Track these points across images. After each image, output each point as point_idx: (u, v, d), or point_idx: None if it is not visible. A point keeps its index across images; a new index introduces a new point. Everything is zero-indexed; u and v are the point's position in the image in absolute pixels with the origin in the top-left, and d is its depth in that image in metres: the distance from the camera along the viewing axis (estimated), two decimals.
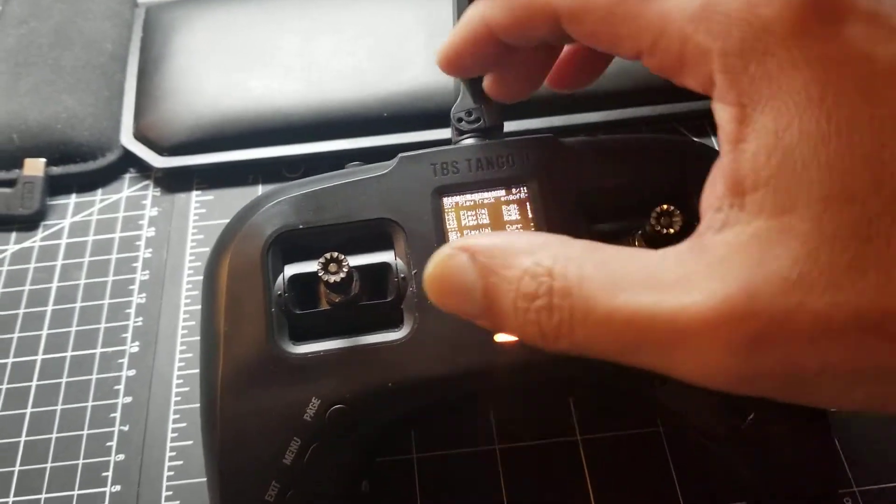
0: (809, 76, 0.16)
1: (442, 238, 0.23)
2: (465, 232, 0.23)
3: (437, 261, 0.18)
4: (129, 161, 0.35)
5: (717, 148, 0.19)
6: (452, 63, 0.24)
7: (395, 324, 0.23)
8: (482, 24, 0.22)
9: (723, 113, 0.17)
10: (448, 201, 0.24)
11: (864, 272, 0.15)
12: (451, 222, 0.23)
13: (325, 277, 0.22)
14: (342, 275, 0.22)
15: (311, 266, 0.23)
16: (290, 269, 0.23)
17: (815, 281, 0.15)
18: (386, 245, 0.24)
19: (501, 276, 0.17)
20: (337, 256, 0.22)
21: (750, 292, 0.15)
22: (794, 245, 0.15)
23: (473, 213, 0.23)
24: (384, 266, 0.23)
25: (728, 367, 0.16)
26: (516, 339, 0.20)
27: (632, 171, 0.24)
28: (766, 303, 0.15)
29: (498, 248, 0.18)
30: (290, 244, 0.23)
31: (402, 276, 0.23)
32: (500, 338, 0.22)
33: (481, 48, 0.23)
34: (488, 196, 0.24)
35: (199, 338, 0.29)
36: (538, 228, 0.23)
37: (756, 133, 0.17)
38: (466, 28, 0.23)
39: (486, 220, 0.23)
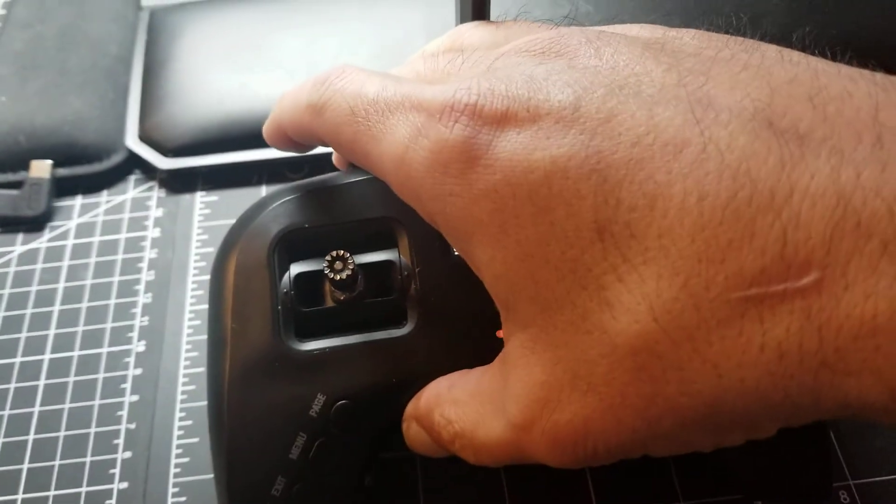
0: (490, 212, 0.18)
1: (444, 236, 0.23)
2: None
3: (405, 432, 0.23)
4: (134, 162, 0.35)
5: None
6: (274, 144, 0.26)
7: (399, 320, 0.23)
8: (279, 127, 0.24)
9: None
10: None
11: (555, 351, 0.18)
12: None
13: (331, 275, 0.22)
14: (348, 273, 0.22)
15: (317, 264, 0.23)
16: (296, 268, 0.24)
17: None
18: (389, 243, 0.24)
19: (435, 429, 0.21)
20: (342, 255, 0.22)
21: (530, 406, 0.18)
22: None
23: None
24: (388, 264, 0.24)
25: (562, 460, 0.18)
26: None
27: None
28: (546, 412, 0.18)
29: (424, 407, 0.22)
30: (295, 243, 0.24)
31: (406, 273, 0.23)
32: (503, 333, 0.22)
33: (289, 140, 0.25)
34: None
35: (204, 337, 0.30)
36: None
37: (486, 269, 0.19)
38: (272, 122, 0.25)
39: None
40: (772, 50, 0.18)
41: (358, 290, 0.23)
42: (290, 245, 0.24)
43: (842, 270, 0.14)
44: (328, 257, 0.22)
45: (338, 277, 0.22)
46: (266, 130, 0.25)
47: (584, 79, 0.18)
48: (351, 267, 0.22)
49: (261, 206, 0.25)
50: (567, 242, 0.17)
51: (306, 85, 0.23)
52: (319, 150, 0.34)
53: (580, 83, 0.18)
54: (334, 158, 0.27)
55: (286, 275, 0.23)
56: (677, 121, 0.16)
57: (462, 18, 0.25)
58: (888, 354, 0.14)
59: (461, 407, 0.21)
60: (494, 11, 0.25)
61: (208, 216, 0.34)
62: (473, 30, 0.23)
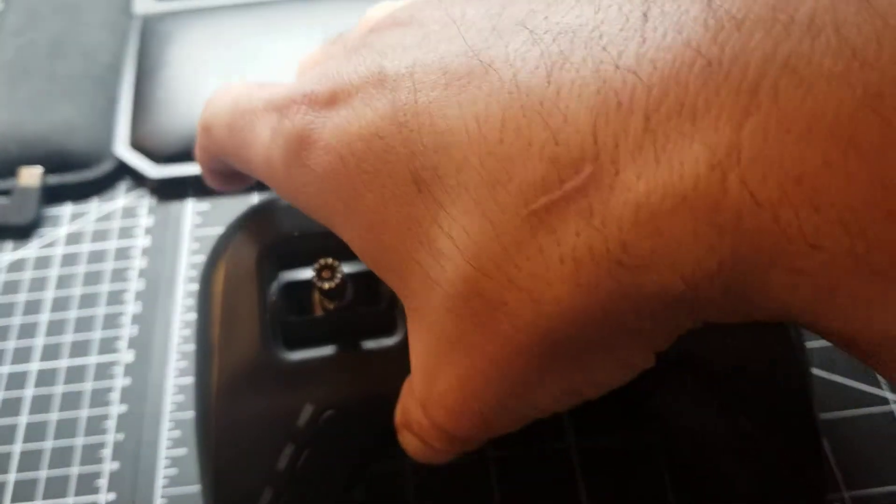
0: (335, 191, 0.18)
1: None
2: None
3: (401, 443, 0.22)
4: (124, 170, 0.35)
5: None
6: (209, 182, 0.26)
7: (389, 330, 0.23)
8: (200, 162, 0.25)
9: None
10: None
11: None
12: None
13: (320, 284, 0.22)
14: (336, 282, 0.22)
15: (306, 273, 0.23)
16: (285, 277, 0.23)
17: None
18: None
19: (416, 428, 0.20)
20: (331, 263, 0.22)
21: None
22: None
23: None
24: None
25: (466, 431, 0.18)
26: None
27: None
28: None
29: (402, 411, 0.21)
30: (284, 252, 0.24)
31: None
32: None
33: (212, 173, 0.25)
34: None
35: (194, 347, 0.29)
36: None
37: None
38: (197, 160, 0.25)
39: None
40: None
41: (347, 300, 0.23)
42: (278, 254, 0.24)
43: (610, 157, 0.14)
44: (317, 266, 0.22)
45: (326, 286, 0.22)
46: (201, 172, 0.26)
47: (403, 38, 0.18)
48: (340, 276, 0.22)
49: (250, 214, 0.25)
50: (397, 201, 0.17)
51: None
52: None
53: (398, 43, 0.18)
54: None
55: (274, 284, 0.23)
56: (467, 54, 0.16)
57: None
58: (671, 238, 0.13)
59: (408, 397, 0.20)
60: None
61: (199, 224, 0.34)
62: (376, 11, 0.23)
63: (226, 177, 0.26)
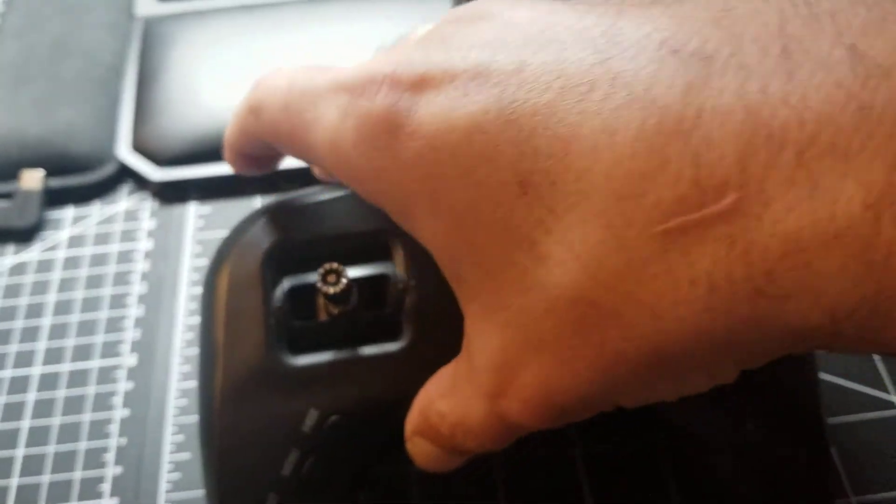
0: (422, 181, 0.18)
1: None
2: None
3: (410, 452, 0.22)
4: (127, 173, 0.35)
5: None
6: (235, 166, 0.26)
7: (394, 335, 0.23)
8: (232, 145, 0.25)
9: None
10: None
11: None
12: None
13: (324, 289, 0.22)
14: (341, 286, 0.22)
15: (310, 277, 0.23)
16: (289, 281, 0.23)
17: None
18: (384, 256, 0.24)
19: (433, 430, 0.21)
20: (336, 268, 0.22)
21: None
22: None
23: None
24: (382, 277, 0.23)
25: (539, 421, 0.18)
26: None
27: None
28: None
29: (418, 414, 0.21)
30: (288, 256, 0.24)
31: (401, 287, 0.23)
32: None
33: (244, 157, 0.25)
34: None
35: (197, 350, 0.29)
36: None
37: (428, 244, 0.19)
38: (226, 142, 0.25)
39: None
40: None
41: (352, 304, 0.23)
42: (282, 258, 0.24)
43: (759, 187, 0.14)
44: (321, 270, 0.22)
45: (331, 291, 0.22)
46: (225, 154, 0.25)
47: (500, 35, 0.18)
48: (344, 280, 0.22)
49: (253, 218, 0.25)
50: (495, 201, 0.16)
51: (247, 93, 0.23)
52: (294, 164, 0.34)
53: (497, 39, 0.17)
54: (314, 171, 0.27)
55: (279, 288, 0.23)
56: (586, 61, 0.16)
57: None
58: (819, 272, 0.13)
59: (449, 397, 0.20)
60: None
61: (202, 227, 0.34)
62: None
63: (257, 160, 0.25)
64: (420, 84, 0.18)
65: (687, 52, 0.15)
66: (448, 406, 0.20)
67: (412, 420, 0.22)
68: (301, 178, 0.35)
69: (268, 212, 0.24)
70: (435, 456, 0.21)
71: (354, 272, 0.23)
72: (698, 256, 0.14)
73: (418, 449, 0.21)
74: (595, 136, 0.15)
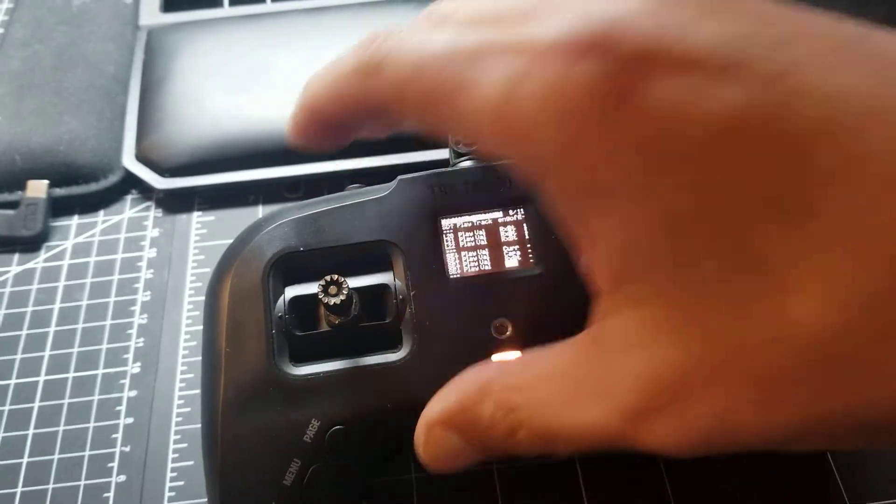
0: (633, 169, 0.16)
1: (440, 259, 0.23)
2: (462, 253, 0.23)
3: (422, 445, 0.20)
4: (130, 182, 0.35)
5: None
6: (305, 136, 0.24)
7: (394, 345, 0.23)
8: (311, 111, 0.22)
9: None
10: (446, 223, 0.24)
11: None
12: (449, 244, 0.24)
13: (326, 300, 0.22)
14: (342, 297, 0.22)
15: (312, 288, 0.23)
16: (291, 291, 0.23)
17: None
18: (385, 266, 0.24)
19: (484, 423, 0.19)
20: (337, 279, 0.22)
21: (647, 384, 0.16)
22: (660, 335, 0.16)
23: (471, 234, 0.24)
24: (383, 288, 0.23)
25: (686, 450, 0.17)
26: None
27: None
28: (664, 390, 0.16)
29: (461, 403, 0.19)
30: (290, 266, 0.24)
31: (401, 297, 0.23)
32: (497, 357, 0.22)
33: (324, 127, 0.23)
34: (486, 218, 0.24)
35: (200, 358, 0.30)
36: (535, 249, 0.23)
37: (607, 235, 0.17)
38: (301, 110, 0.23)
39: (483, 242, 0.24)
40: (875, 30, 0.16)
41: (353, 315, 0.23)
42: (284, 268, 0.24)
43: None
44: (323, 281, 0.22)
45: (332, 301, 0.22)
46: (295, 123, 0.23)
47: (743, 25, 0.15)
48: (345, 291, 0.22)
49: (256, 228, 0.25)
50: (731, 214, 0.15)
51: (343, 56, 0.21)
52: (318, 169, 0.34)
53: (742, 28, 0.15)
54: (450, 139, 0.25)
55: (281, 298, 0.23)
56: (862, 87, 0.14)
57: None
58: None
59: (529, 392, 0.18)
60: None
61: (205, 236, 0.34)
62: None
63: (337, 130, 0.23)
64: (649, 61, 0.15)
65: None
66: (526, 400, 0.18)
67: (442, 410, 0.20)
68: (303, 187, 0.35)
69: (270, 222, 0.25)
70: (454, 451, 0.20)
71: (355, 282, 0.23)
72: None
73: (435, 439, 0.20)
74: (881, 172, 0.14)
